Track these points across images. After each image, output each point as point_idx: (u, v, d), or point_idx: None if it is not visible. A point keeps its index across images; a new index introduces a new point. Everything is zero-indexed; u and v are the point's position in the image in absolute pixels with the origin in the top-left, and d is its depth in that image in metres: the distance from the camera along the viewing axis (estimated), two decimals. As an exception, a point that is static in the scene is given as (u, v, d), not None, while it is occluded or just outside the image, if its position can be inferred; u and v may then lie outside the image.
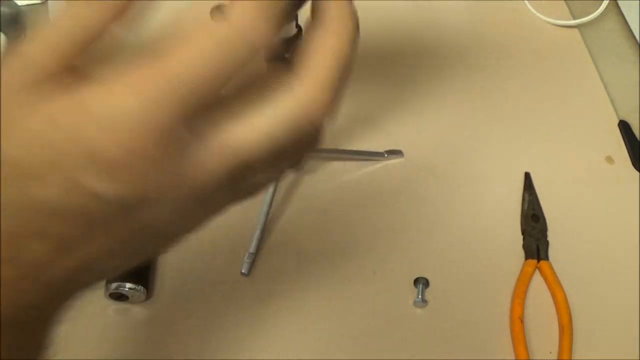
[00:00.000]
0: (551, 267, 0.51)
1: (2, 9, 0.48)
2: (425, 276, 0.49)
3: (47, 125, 0.17)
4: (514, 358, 0.47)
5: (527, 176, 0.57)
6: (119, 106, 0.17)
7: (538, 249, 0.52)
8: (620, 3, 0.69)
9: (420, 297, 0.48)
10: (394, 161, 0.57)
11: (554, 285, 0.50)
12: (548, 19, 0.70)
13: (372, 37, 0.65)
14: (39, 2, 0.57)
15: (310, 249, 0.50)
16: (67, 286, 0.20)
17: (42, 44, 0.18)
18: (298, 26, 0.31)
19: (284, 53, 0.25)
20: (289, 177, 0.54)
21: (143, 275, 0.46)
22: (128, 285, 0.44)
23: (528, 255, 0.52)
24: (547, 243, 0.52)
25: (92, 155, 0.17)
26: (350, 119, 0.58)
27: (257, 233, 0.49)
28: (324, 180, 0.54)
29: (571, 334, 0.47)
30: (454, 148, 0.58)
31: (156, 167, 0.18)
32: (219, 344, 0.46)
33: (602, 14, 0.68)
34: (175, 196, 0.19)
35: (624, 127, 0.61)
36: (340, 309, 0.48)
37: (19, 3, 0.55)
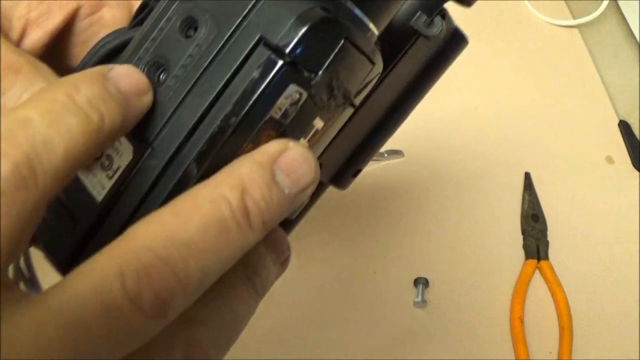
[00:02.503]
0: (551, 267, 0.51)
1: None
2: (425, 276, 0.49)
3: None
4: (514, 358, 0.47)
5: (527, 176, 0.57)
6: None
7: (538, 249, 0.52)
8: (620, 3, 0.69)
9: (420, 297, 0.48)
10: (394, 161, 0.57)
11: (554, 285, 0.50)
12: (548, 19, 0.70)
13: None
14: None
15: (310, 249, 0.50)
16: None
17: None
18: None
19: None
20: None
21: None
22: None
23: (528, 255, 0.52)
24: (547, 243, 0.52)
25: None
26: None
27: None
28: (324, 180, 0.54)
29: (571, 334, 0.47)
30: (454, 148, 0.58)
31: None
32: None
33: (602, 14, 0.68)
34: None
35: (624, 127, 0.61)
36: (340, 309, 0.48)
37: None
